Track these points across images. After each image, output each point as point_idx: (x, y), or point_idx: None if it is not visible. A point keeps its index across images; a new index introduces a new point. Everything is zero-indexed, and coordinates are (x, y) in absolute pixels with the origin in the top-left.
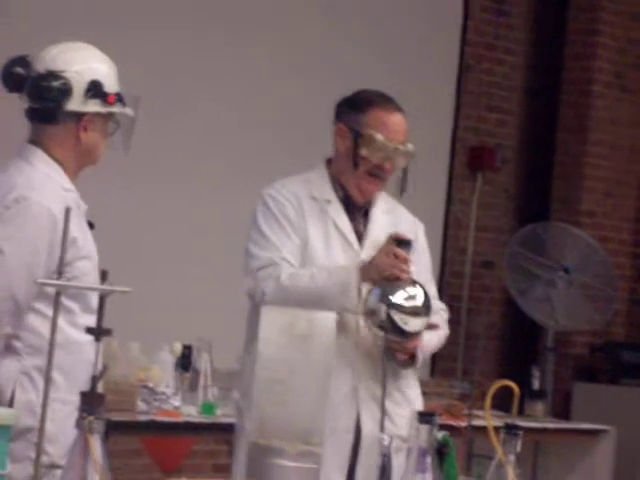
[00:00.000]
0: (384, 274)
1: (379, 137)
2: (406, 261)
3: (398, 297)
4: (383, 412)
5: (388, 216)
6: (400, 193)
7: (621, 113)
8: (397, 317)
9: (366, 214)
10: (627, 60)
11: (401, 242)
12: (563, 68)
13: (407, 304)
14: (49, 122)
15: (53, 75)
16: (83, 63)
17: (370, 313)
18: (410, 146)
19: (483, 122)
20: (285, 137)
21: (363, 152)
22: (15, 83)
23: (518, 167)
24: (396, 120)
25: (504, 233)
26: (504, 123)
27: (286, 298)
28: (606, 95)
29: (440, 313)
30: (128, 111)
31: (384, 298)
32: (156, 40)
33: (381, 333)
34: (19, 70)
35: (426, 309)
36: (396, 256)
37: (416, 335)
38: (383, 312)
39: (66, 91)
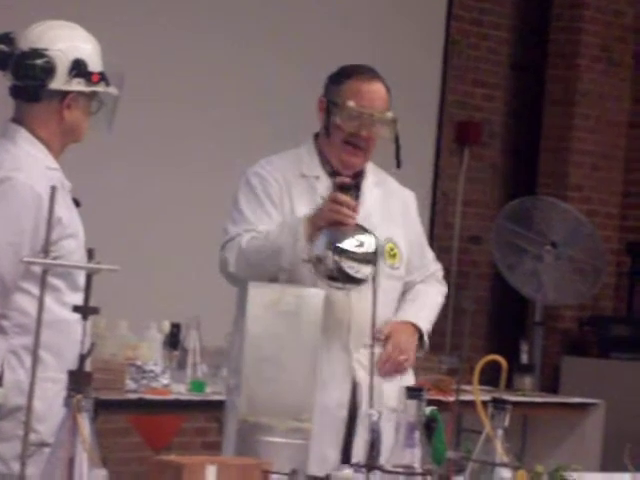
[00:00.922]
0: (329, 220)
1: (351, 104)
2: (349, 206)
3: (347, 244)
4: (372, 388)
5: (379, 189)
6: (397, 166)
7: (608, 86)
8: (346, 264)
9: (358, 188)
10: (613, 33)
11: (344, 187)
12: (549, 42)
13: (356, 250)
14: (33, 100)
15: (37, 53)
16: (67, 41)
17: (317, 261)
18: (388, 114)
19: (470, 97)
20: (273, 117)
21: (337, 121)
22: None
23: (505, 141)
24: (372, 88)
25: (491, 208)
26: (491, 98)
27: (247, 261)
28: (593, 69)
29: (436, 275)
30: (112, 90)
31: (331, 245)
32: (145, 21)
33: (331, 282)
34: (3, 47)
35: (376, 256)
36: (339, 202)
37: (364, 282)
38: (330, 259)
39: (50, 70)
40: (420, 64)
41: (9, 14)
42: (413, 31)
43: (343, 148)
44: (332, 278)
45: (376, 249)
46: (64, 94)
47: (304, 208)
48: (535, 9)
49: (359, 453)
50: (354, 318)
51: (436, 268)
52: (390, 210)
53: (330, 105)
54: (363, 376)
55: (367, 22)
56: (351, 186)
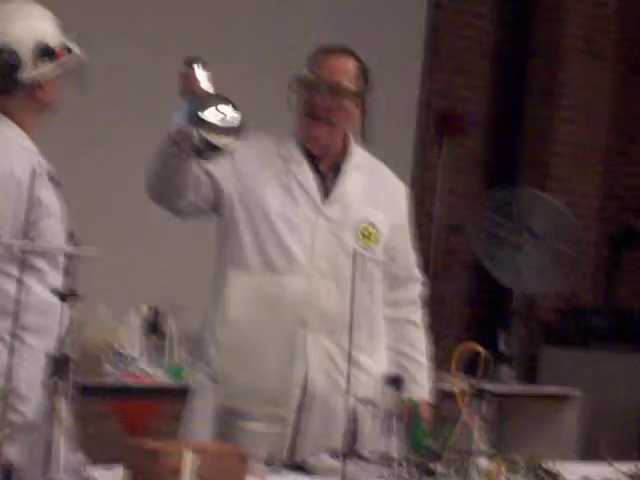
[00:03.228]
0: (180, 92)
1: (305, 72)
2: (189, 76)
3: (207, 114)
4: (349, 376)
5: (362, 172)
6: (362, 140)
7: (590, 78)
8: (208, 135)
9: (338, 168)
10: (596, 25)
11: (188, 62)
12: (532, 33)
13: (216, 121)
14: (4, 94)
15: (0, 50)
16: (24, 23)
17: (180, 134)
18: (345, 83)
19: (452, 86)
20: (256, 98)
21: (295, 91)
22: None
23: (487, 131)
24: (333, 60)
25: (472, 197)
26: (473, 87)
27: (147, 172)
28: (575, 60)
29: (419, 303)
30: (77, 55)
31: (192, 118)
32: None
33: (195, 154)
34: None
35: (237, 127)
36: (181, 75)
37: (227, 149)
38: (194, 132)
39: (15, 64)
40: (402, 53)
41: None
42: (396, 19)
43: (307, 122)
44: (195, 150)
45: (236, 120)
46: (35, 79)
47: (278, 189)
48: None
49: (310, 434)
50: (314, 302)
51: (420, 290)
52: (373, 194)
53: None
54: (318, 362)
55: (349, 9)
56: (197, 60)
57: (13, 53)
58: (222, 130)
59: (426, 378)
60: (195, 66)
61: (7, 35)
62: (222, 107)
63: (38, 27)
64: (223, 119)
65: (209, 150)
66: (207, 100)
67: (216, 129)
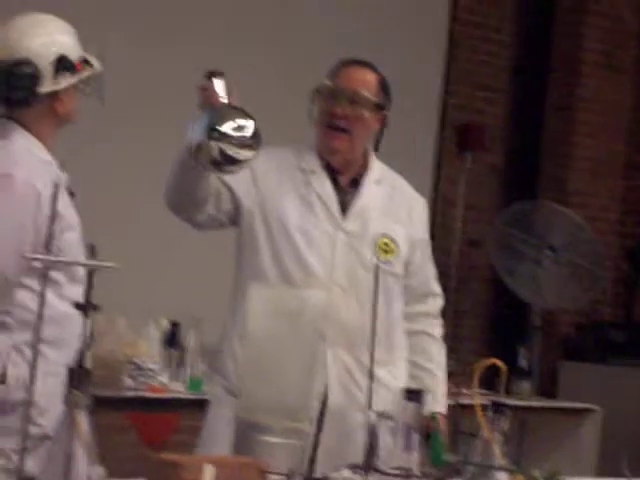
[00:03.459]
0: (200, 105)
1: (325, 82)
2: (211, 89)
3: (225, 127)
4: (370, 390)
5: (381, 186)
6: (374, 149)
7: (609, 92)
8: (227, 148)
9: (357, 182)
10: (616, 39)
11: (210, 75)
12: (552, 47)
13: (233, 134)
14: (24, 107)
15: (20, 63)
16: (45, 38)
17: (197, 147)
18: (365, 93)
19: (472, 101)
20: (272, 115)
21: (315, 102)
22: None
23: (506, 146)
24: (353, 71)
25: (492, 212)
26: (492, 101)
27: (167, 184)
28: (594, 74)
29: (438, 317)
30: (96, 68)
31: (208, 128)
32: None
33: (213, 167)
34: None
35: (255, 140)
36: (202, 87)
37: (246, 162)
38: (208, 143)
39: (36, 77)
40: (422, 67)
41: None
42: (415, 34)
43: (326, 132)
44: (215, 163)
45: (254, 133)
46: (53, 93)
47: (297, 202)
48: (537, 13)
49: (327, 449)
50: (333, 316)
51: (439, 304)
52: (392, 208)
53: (314, 93)
54: (336, 375)
55: (369, 24)
56: (217, 73)
57: (33, 66)
58: (240, 143)
59: (442, 391)
60: (214, 79)
61: (27, 48)
62: (240, 120)
63: (57, 40)
64: (241, 132)
65: (228, 163)
66: (225, 113)
67: (234, 142)
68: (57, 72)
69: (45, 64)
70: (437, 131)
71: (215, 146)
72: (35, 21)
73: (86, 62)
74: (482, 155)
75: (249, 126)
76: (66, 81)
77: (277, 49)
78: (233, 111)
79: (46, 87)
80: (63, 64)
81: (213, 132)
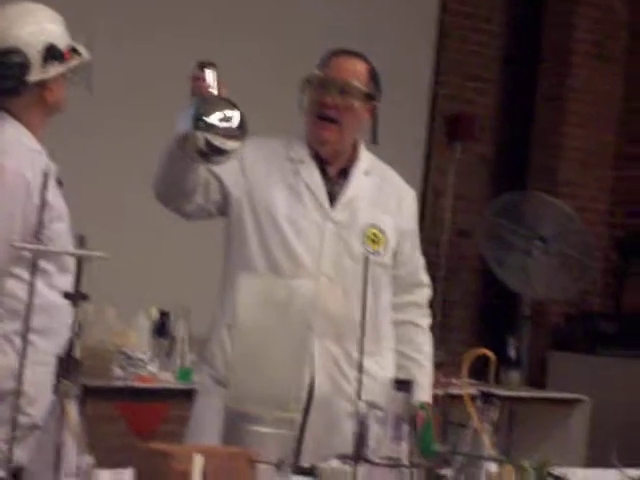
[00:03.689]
0: (192, 94)
1: (315, 72)
2: (199, 79)
3: (212, 118)
4: (360, 381)
5: (370, 177)
6: (372, 142)
7: (599, 83)
8: (213, 138)
9: (346, 173)
10: (606, 29)
11: (201, 65)
12: (542, 37)
13: (219, 125)
14: (13, 95)
15: (8, 51)
16: (33, 26)
17: (184, 138)
18: (355, 83)
19: (462, 91)
20: (262, 102)
21: (305, 92)
22: None
23: (496, 136)
24: (343, 61)
25: (481, 202)
26: (483, 92)
27: (155, 175)
28: (585, 65)
29: (426, 308)
30: (85, 57)
31: (198, 121)
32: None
33: (199, 157)
34: None
35: (241, 131)
36: (193, 76)
37: (232, 153)
38: (195, 134)
39: (25, 66)
40: (412, 57)
41: None
42: (405, 24)
43: (315, 122)
44: (202, 154)
45: (241, 124)
46: (42, 81)
47: (286, 191)
48: (527, 3)
49: (313, 438)
50: (320, 306)
51: (424, 282)
52: (381, 198)
53: (304, 83)
54: (323, 366)
55: (359, 14)
56: (208, 63)
57: (22, 55)
58: (226, 134)
59: (429, 382)
60: (206, 70)
61: (16, 37)
62: (227, 111)
63: (46, 29)
64: (228, 123)
65: (214, 154)
66: (212, 104)
67: (220, 133)
68: (46, 61)
69: (34, 53)
70: (427, 121)
71: (201, 136)
72: (24, 10)
73: (74, 51)
74: (472, 145)
75: (235, 117)
76: (55, 70)
77: (267, 40)
78: (220, 102)
79: (35, 76)
80: (52, 53)
81: (199, 122)
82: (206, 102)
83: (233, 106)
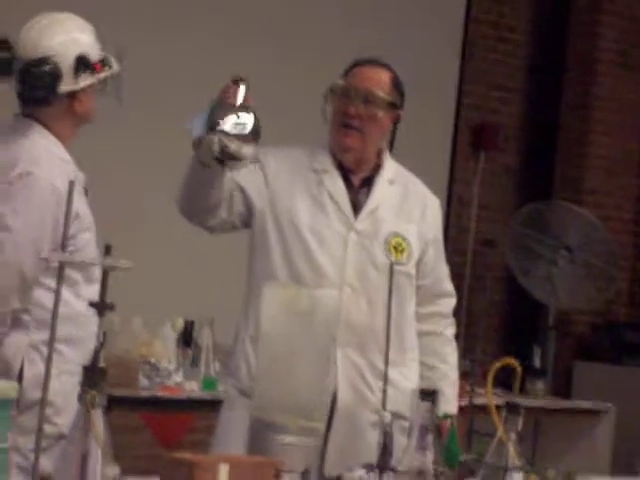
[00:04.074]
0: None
1: (339, 82)
2: (229, 89)
3: (226, 122)
4: (385, 391)
5: (394, 186)
6: (389, 150)
7: (624, 91)
8: (227, 143)
9: (370, 182)
10: (631, 38)
11: (236, 80)
12: (567, 46)
13: (234, 130)
14: (43, 105)
15: (41, 61)
16: (65, 37)
17: (197, 142)
18: (379, 92)
19: (486, 100)
20: (285, 117)
21: (329, 101)
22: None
23: (521, 145)
24: (365, 70)
25: (507, 212)
26: (507, 101)
27: (179, 190)
28: (609, 73)
29: (450, 317)
30: (115, 69)
31: (213, 126)
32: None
33: (214, 163)
34: (3, 54)
35: (254, 135)
36: (226, 90)
37: (246, 158)
38: (209, 138)
39: (56, 75)
40: (437, 67)
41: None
42: (431, 33)
43: (339, 130)
44: (215, 158)
45: (254, 129)
46: (72, 93)
47: (309, 202)
48: (552, 12)
49: (336, 448)
50: (344, 316)
51: (451, 304)
52: (405, 207)
53: (328, 93)
54: (346, 375)
55: (385, 23)
56: (242, 79)
57: (54, 65)
58: (242, 139)
59: (454, 392)
60: (241, 84)
61: (48, 47)
62: (241, 116)
63: (77, 39)
64: (242, 128)
65: (229, 158)
66: (226, 109)
67: (235, 137)
68: (77, 72)
69: (65, 63)
70: (452, 131)
71: (215, 141)
72: (54, 20)
73: (105, 62)
74: (497, 155)
75: (250, 122)
76: (85, 81)
77: (292, 49)
78: (234, 107)
79: (66, 86)
80: (83, 64)
81: (212, 127)
82: (220, 107)
83: (247, 111)
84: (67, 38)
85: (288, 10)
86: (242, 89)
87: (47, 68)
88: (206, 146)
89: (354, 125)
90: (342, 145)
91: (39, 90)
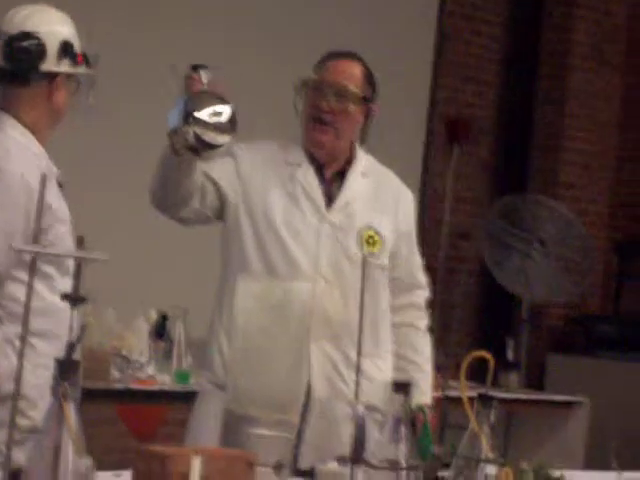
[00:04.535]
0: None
1: (311, 76)
2: (192, 79)
3: (203, 113)
4: (357, 383)
5: (368, 179)
6: (360, 142)
7: (598, 85)
8: (202, 133)
9: (343, 175)
10: (604, 32)
11: (195, 67)
12: (541, 40)
13: (209, 120)
14: (22, 84)
15: (27, 35)
16: (52, 24)
17: (173, 132)
18: (350, 87)
19: (461, 93)
20: (262, 104)
21: (300, 95)
22: None
23: (496, 139)
24: (339, 64)
25: (481, 205)
26: (482, 94)
27: (152, 180)
28: (584, 67)
29: (424, 308)
30: (92, 70)
31: (187, 116)
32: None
33: (189, 152)
34: None
35: (231, 125)
36: (188, 78)
37: (221, 147)
38: (185, 129)
39: (41, 51)
40: (411, 59)
41: None
42: (405, 26)
43: (311, 126)
44: (192, 149)
45: (231, 118)
46: (52, 76)
47: (283, 195)
48: (527, 6)
49: (311, 440)
50: (318, 308)
51: (421, 284)
52: (378, 200)
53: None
54: (321, 368)
55: (359, 16)
56: (201, 66)
57: (40, 42)
58: (216, 128)
59: (429, 384)
60: (200, 71)
61: (36, 26)
62: (218, 106)
63: (65, 29)
64: (217, 117)
65: (204, 148)
66: (202, 99)
67: (210, 127)
68: (60, 56)
69: (50, 44)
70: (426, 124)
71: (190, 131)
72: (45, 8)
73: (86, 58)
74: (471, 148)
75: (226, 111)
76: (66, 67)
77: (266, 41)
78: (209, 97)
79: (47, 65)
80: (67, 50)
81: (188, 117)
82: (195, 97)
83: (223, 101)
84: (54, 25)
85: (262, 1)
86: (203, 75)
87: (33, 43)
88: (182, 135)
89: (327, 120)
90: (315, 141)
91: (21, 64)
